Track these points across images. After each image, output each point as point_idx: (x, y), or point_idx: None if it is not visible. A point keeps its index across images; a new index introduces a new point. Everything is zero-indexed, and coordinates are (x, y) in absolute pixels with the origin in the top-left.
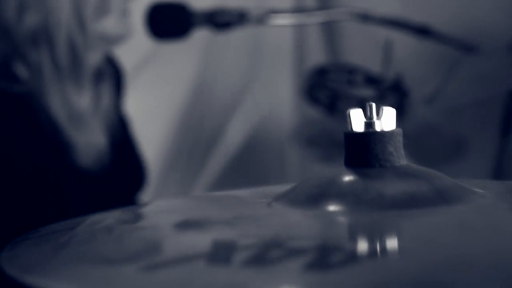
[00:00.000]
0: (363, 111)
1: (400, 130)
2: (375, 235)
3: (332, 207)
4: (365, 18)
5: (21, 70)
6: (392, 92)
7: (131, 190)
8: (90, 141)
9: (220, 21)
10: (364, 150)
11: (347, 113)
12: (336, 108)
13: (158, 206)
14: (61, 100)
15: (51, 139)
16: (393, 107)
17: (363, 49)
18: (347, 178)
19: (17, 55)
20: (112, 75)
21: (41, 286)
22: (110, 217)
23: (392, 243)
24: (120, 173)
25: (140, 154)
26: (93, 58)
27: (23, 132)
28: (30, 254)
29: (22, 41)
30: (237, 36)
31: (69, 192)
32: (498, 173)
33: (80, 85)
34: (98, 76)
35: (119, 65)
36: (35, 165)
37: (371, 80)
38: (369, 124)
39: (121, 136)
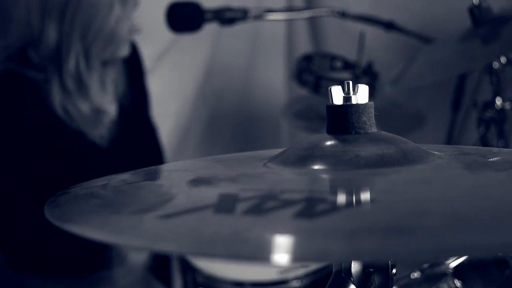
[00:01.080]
0: (342, 87)
1: (372, 103)
2: (352, 189)
3: (317, 166)
4: (343, 15)
5: (35, 57)
6: (365, 75)
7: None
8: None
9: (226, 17)
10: (342, 119)
11: (329, 89)
12: (320, 88)
13: (174, 166)
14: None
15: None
16: None
17: (341, 40)
18: (329, 142)
19: (32, 44)
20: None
21: (76, 231)
22: (133, 175)
23: (365, 196)
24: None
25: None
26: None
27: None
28: (68, 206)
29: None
30: (240, 29)
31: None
32: (450, 139)
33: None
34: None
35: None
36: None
37: (348, 65)
38: (347, 98)
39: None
